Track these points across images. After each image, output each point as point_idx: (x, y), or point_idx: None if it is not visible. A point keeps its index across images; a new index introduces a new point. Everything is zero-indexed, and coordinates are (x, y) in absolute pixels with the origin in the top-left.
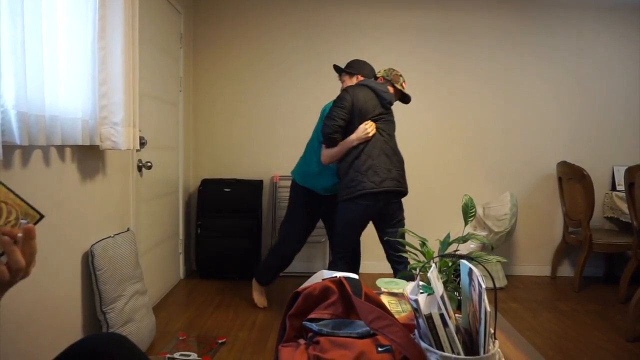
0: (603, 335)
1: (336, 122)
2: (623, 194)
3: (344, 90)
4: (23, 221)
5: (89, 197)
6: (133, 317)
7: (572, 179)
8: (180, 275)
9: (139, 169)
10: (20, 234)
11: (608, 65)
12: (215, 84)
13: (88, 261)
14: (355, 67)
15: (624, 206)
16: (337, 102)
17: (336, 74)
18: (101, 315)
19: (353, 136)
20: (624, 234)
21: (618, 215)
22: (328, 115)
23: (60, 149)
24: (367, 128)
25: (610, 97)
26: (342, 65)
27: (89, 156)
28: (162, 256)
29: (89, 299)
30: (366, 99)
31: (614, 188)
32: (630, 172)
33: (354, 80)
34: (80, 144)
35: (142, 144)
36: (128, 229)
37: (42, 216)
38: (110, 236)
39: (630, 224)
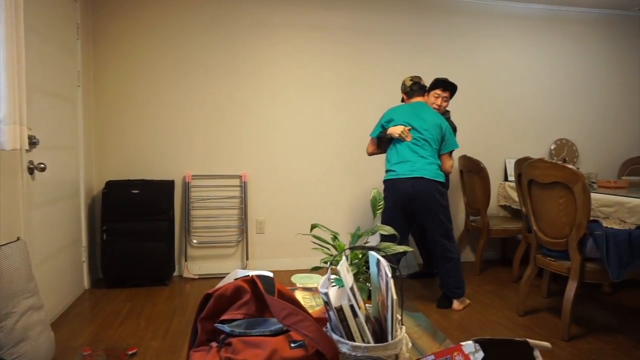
0: (499, 312)
1: None
2: (514, 184)
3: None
4: None
5: None
6: (27, 336)
7: (472, 171)
8: (84, 285)
9: (30, 171)
10: None
11: (500, 69)
12: (119, 79)
13: None
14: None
15: (514, 195)
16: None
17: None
18: None
19: None
20: (515, 220)
21: (510, 203)
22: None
23: None
24: None
25: (502, 96)
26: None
27: None
28: (62, 266)
29: None
30: None
31: (506, 179)
32: (519, 164)
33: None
34: None
35: (33, 143)
36: (18, 238)
37: None
38: None
39: (520, 210)
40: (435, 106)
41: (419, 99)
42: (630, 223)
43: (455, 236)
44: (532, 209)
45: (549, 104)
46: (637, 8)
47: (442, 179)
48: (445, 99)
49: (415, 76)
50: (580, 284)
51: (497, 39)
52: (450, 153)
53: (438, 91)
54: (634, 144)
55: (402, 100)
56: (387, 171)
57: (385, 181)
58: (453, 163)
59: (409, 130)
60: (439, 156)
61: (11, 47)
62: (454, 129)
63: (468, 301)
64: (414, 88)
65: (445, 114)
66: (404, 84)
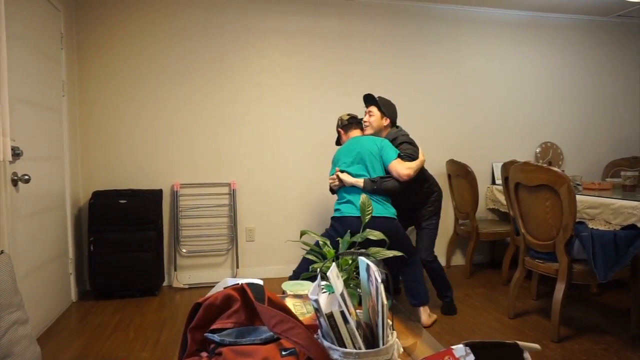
0: (490, 315)
1: None
2: (501, 187)
3: (401, 131)
4: None
5: None
6: (12, 352)
7: (459, 175)
8: (72, 297)
9: (14, 182)
10: None
11: (485, 74)
12: (104, 88)
13: None
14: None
15: (502, 198)
16: (409, 140)
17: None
18: None
19: None
20: (503, 222)
21: (498, 206)
22: (413, 148)
23: None
24: None
25: (488, 101)
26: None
27: None
28: (48, 278)
29: None
30: None
31: (493, 182)
32: (505, 167)
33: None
34: None
35: (17, 154)
36: (2, 252)
37: None
38: None
39: (508, 213)
40: (365, 124)
41: (355, 132)
42: (615, 224)
43: (436, 243)
44: (519, 211)
45: (533, 108)
46: (615, 14)
47: (387, 213)
48: (369, 113)
49: (351, 113)
50: (569, 286)
51: (481, 45)
52: (398, 160)
53: (366, 109)
54: (617, 145)
55: (338, 137)
56: (335, 209)
57: (332, 218)
58: (409, 166)
59: (338, 173)
60: (388, 170)
61: None
62: (405, 141)
63: (434, 315)
64: (351, 121)
65: (398, 130)
66: (340, 119)
